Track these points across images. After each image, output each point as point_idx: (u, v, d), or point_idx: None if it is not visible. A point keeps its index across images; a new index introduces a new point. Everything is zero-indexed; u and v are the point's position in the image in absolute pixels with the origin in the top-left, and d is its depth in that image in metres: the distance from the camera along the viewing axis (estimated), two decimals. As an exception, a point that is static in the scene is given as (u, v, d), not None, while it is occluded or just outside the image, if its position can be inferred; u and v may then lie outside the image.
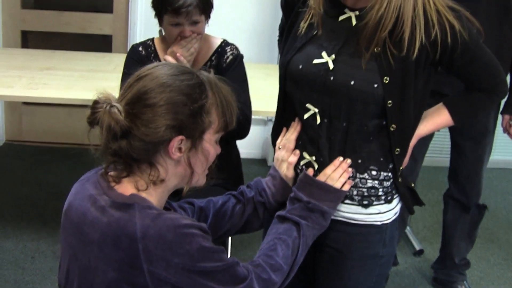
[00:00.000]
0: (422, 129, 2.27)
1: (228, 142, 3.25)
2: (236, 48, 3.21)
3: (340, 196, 2.13)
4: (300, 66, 2.17)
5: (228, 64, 3.14)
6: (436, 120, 2.29)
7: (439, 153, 5.82)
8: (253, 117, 3.17)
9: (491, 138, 3.70)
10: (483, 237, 4.76)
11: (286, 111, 2.34)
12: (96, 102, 1.74)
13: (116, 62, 4.46)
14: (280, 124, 2.39)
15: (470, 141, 3.68)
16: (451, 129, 3.74)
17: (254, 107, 3.18)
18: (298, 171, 2.26)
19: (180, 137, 1.73)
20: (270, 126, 5.64)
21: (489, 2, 3.23)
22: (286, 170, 2.24)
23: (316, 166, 2.21)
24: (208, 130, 1.79)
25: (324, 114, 2.15)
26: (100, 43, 5.67)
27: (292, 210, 2.08)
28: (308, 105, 2.17)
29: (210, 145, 1.83)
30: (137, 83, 1.75)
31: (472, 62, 2.13)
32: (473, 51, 2.10)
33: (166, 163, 1.78)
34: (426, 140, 3.70)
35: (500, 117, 3.67)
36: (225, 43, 3.21)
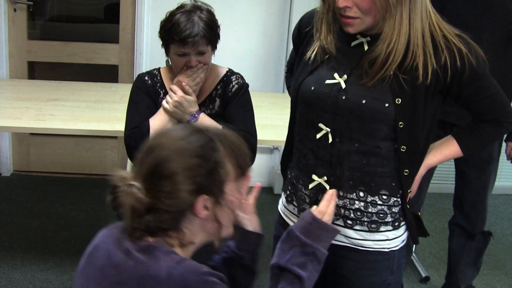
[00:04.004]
0: (432, 159, 2.32)
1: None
2: (242, 77, 3.23)
3: (334, 236, 2.10)
4: (312, 88, 2.21)
5: (234, 93, 3.15)
6: (444, 152, 2.33)
7: (445, 180, 5.82)
8: (259, 146, 3.18)
9: (495, 165, 3.71)
10: (489, 263, 4.75)
11: (296, 138, 2.36)
12: (114, 187, 1.75)
13: (122, 92, 4.47)
14: (290, 150, 2.43)
15: (474, 169, 3.69)
16: (455, 156, 3.76)
17: (260, 136, 3.18)
18: (303, 197, 2.28)
19: (203, 197, 1.74)
20: (276, 155, 5.65)
21: (492, 31, 3.25)
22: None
23: (327, 187, 2.23)
24: (227, 182, 1.79)
25: (336, 133, 2.18)
26: (107, 73, 5.69)
27: (292, 259, 2.02)
28: (321, 125, 2.20)
29: (233, 195, 1.82)
30: (150, 156, 1.75)
31: (479, 91, 2.16)
32: (481, 79, 2.14)
33: (193, 225, 1.79)
34: (431, 167, 3.71)
35: (504, 144, 3.68)
36: (230, 72, 3.22)
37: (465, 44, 2.09)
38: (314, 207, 2.11)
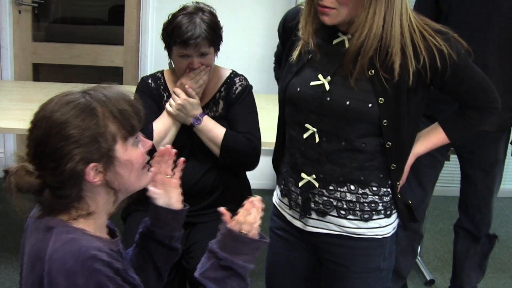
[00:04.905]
0: (420, 147, 2.36)
1: (236, 174, 3.26)
2: (245, 79, 3.23)
3: (258, 246, 1.99)
4: (298, 89, 2.25)
5: (237, 95, 3.15)
6: (432, 139, 2.38)
7: (450, 183, 5.80)
8: (263, 148, 3.19)
9: (501, 168, 3.70)
10: (494, 267, 4.74)
11: (285, 136, 2.42)
12: (6, 170, 1.75)
13: (126, 94, 4.46)
14: (280, 149, 2.48)
15: (480, 171, 3.67)
16: (461, 159, 3.75)
17: (264, 137, 3.19)
18: (295, 195, 2.35)
19: (91, 165, 1.72)
20: (280, 157, 5.64)
21: (498, 33, 3.23)
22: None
23: (317, 185, 2.28)
24: (115, 145, 1.76)
25: (323, 133, 2.22)
26: (111, 75, 5.70)
27: (207, 272, 1.95)
28: (307, 125, 2.24)
29: (128, 152, 1.80)
30: (31, 135, 1.76)
31: (463, 82, 2.20)
32: (463, 71, 2.18)
33: (94, 192, 1.79)
34: (436, 170, 3.70)
35: (510, 147, 3.67)
36: (234, 74, 3.22)
37: (445, 40, 2.12)
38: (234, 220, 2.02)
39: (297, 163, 2.32)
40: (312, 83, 2.21)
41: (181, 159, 2.23)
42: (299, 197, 2.34)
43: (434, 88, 2.23)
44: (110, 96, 1.79)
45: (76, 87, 1.84)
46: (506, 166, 3.77)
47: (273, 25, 5.39)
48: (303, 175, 2.30)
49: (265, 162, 3.28)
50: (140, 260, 2.15)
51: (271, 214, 2.57)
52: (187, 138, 3.09)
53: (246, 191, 3.37)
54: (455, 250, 4.02)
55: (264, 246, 2.01)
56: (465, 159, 3.70)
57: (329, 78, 2.18)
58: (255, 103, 3.21)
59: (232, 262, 1.93)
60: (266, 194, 5.73)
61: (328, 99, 2.18)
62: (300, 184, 2.31)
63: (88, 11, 6.04)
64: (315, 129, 2.23)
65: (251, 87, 3.22)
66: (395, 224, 2.38)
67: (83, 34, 5.77)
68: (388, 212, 2.33)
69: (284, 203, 2.46)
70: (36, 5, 5.41)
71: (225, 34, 3.10)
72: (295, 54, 2.29)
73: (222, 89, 3.17)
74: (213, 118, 3.09)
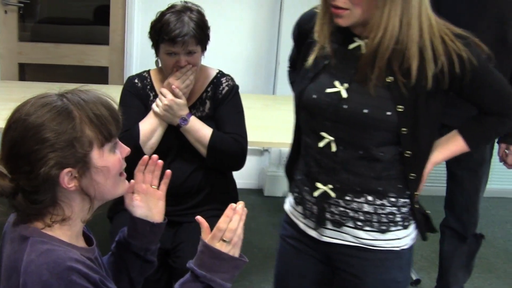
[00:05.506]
0: (438, 156, 2.30)
1: (223, 174, 3.26)
2: (232, 79, 3.22)
3: (238, 265, 1.94)
4: (314, 96, 2.19)
5: (224, 95, 3.15)
6: (450, 147, 2.31)
7: (437, 182, 5.81)
8: (249, 147, 3.18)
9: (487, 167, 3.70)
10: (481, 266, 4.74)
11: (300, 142, 2.36)
12: None
13: (112, 94, 4.36)
14: (296, 155, 2.41)
15: (466, 171, 3.68)
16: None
17: (250, 137, 3.18)
18: (309, 204, 2.30)
19: (66, 170, 1.69)
20: (266, 156, 5.65)
21: (486, 32, 3.22)
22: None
23: (333, 195, 2.22)
24: (91, 151, 1.73)
25: (339, 142, 2.16)
26: (97, 75, 5.68)
27: (184, 285, 1.91)
28: (323, 134, 2.18)
29: (104, 158, 1.76)
30: (6, 137, 1.72)
31: (482, 87, 2.15)
32: (483, 76, 2.13)
33: (69, 198, 1.75)
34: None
35: (496, 146, 3.68)
36: (220, 74, 3.22)
37: (465, 45, 2.07)
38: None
39: (312, 172, 2.26)
40: (328, 90, 2.15)
41: (168, 171, 2.20)
42: (314, 207, 2.28)
43: (453, 94, 2.16)
44: (87, 100, 1.75)
45: (53, 89, 1.80)
46: (492, 166, 3.77)
47: (260, 26, 5.42)
48: (318, 184, 2.24)
49: (251, 162, 3.29)
50: (115, 270, 2.12)
51: (283, 221, 2.49)
52: (174, 139, 3.09)
53: (232, 190, 3.37)
54: (441, 249, 4.02)
55: (244, 266, 1.95)
56: (452, 159, 3.69)
57: (345, 85, 2.13)
58: (241, 103, 3.21)
59: (210, 280, 1.88)
60: (252, 193, 5.76)
61: (345, 106, 2.12)
62: (316, 194, 2.25)
63: (73, 11, 6.04)
64: (331, 138, 2.17)
65: (237, 87, 3.22)
66: (413, 235, 2.32)
67: (68, 34, 5.75)
68: (406, 223, 2.27)
69: (298, 212, 2.39)
70: (22, 5, 5.39)
71: (212, 34, 3.10)
72: (310, 58, 2.22)
73: (209, 89, 3.17)
74: (200, 118, 3.09)
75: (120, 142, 1.84)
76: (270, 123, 4.20)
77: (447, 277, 4.01)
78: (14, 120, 1.71)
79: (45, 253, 1.65)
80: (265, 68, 5.46)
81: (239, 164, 3.18)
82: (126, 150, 1.86)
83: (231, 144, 3.08)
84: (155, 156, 2.19)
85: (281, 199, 5.49)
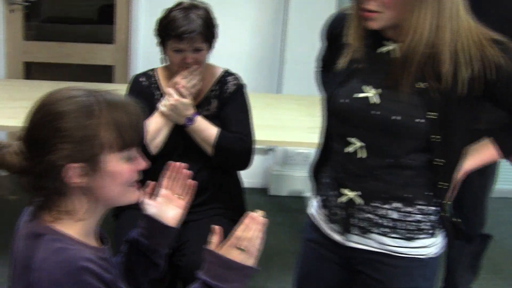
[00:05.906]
0: (470, 164, 2.27)
1: (228, 173, 3.25)
2: (239, 78, 3.22)
3: (249, 274, 1.88)
4: (343, 100, 2.15)
5: (231, 94, 3.15)
6: (482, 155, 2.29)
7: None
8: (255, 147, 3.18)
9: (494, 167, 3.69)
10: (487, 268, 4.71)
11: (328, 146, 2.33)
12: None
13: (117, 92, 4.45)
14: (323, 158, 2.38)
15: (475, 171, 3.66)
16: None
17: (255, 136, 3.18)
18: (335, 209, 2.27)
19: (72, 164, 1.68)
20: (270, 156, 5.64)
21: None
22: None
23: (359, 201, 2.19)
24: (103, 152, 1.71)
25: (366, 148, 2.13)
26: (102, 74, 5.68)
27: None
28: (352, 139, 2.15)
29: (114, 164, 1.74)
30: (30, 118, 1.74)
31: None
32: None
33: (73, 193, 1.74)
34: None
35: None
36: (227, 73, 3.22)
37: (502, 50, 2.01)
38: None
39: (338, 177, 2.23)
40: (358, 95, 2.11)
41: (192, 182, 2.21)
42: (340, 212, 2.25)
43: (488, 101, 2.10)
44: (114, 104, 1.74)
45: (86, 85, 1.81)
46: (499, 166, 3.75)
47: (264, 24, 5.41)
48: (345, 190, 2.20)
49: (255, 161, 3.27)
50: (123, 271, 2.11)
51: (306, 225, 2.46)
52: (180, 138, 3.09)
53: (238, 190, 3.36)
54: (448, 250, 4.00)
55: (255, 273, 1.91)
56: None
57: (375, 90, 2.08)
58: (248, 103, 3.20)
59: None
60: (256, 193, 5.75)
61: (374, 112, 2.07)
62: (342, 199, 2.22)
63: (77, 11, 6.07)
64: (359, 144, 2.13)
65: (244, 86, 3.21)
66: (440, 244, 2.27)
67: (73, 33, 5.78)
68: (433, 231, 2.22)
69: (323, 215, 2.35)
70: (28, 3, 5.40)
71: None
72: (340, 62, 2.19)
73: (215, 88, 3.16)
74: (206, 117, 3.08)
75: (139, 156, 1.83)
76: (274, 122, 4.20)
77: (453, 278, 3.99)
78: (41, 104, 1.74)
79: (58, 251, 1.65)
80: (269, 66, 5.44)
81: (245, 164, 3.17)
82: (142, 164, 1.83)
83: (237, 144, 3.09)
84: (182, 164, 2.21)
85: (286, 199, 5.51)
